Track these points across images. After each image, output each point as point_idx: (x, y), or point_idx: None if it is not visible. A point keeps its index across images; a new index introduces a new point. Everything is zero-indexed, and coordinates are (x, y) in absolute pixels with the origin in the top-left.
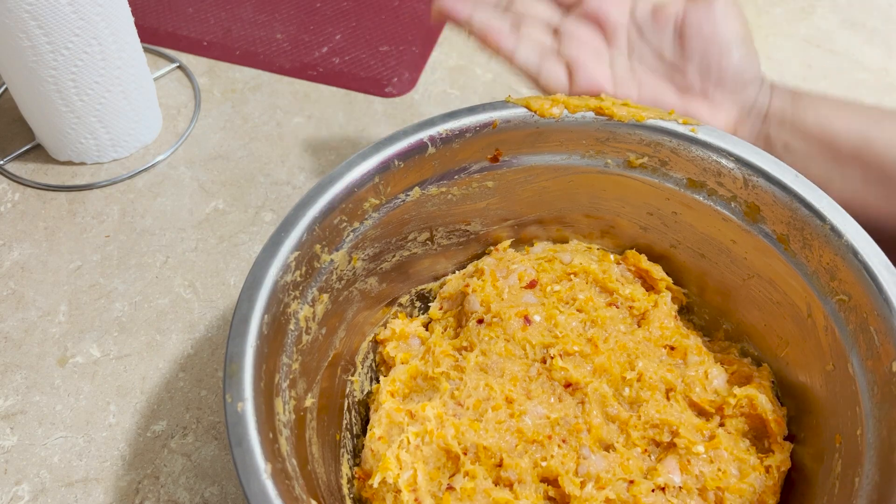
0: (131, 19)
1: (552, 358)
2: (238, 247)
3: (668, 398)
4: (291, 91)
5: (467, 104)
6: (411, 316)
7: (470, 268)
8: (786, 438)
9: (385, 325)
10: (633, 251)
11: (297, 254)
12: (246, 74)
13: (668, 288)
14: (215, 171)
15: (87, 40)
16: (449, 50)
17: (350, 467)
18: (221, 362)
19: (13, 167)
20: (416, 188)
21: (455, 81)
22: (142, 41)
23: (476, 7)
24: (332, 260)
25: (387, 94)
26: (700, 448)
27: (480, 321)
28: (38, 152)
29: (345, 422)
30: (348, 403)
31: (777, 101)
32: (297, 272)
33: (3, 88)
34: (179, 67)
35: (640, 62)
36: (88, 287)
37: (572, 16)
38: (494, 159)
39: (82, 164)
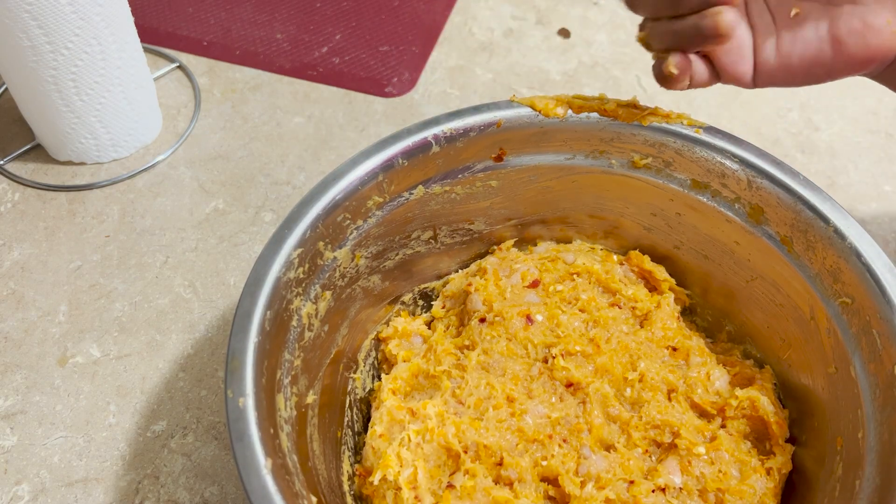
0: (131, 19)
1: (554, 357)
2: (238, 247)
3: (669, 399)
4: (291, 91)
5: (467, 104)
6: (414, 314)
7: (473, 267)
8: (787, 441)
9: (387, 323)
10: (637, 252)
11: (300, 251)
12: (246, 74)
13: (671, 289)
14: (215, 171)
15: (87, 40)
16: (449, 50)
17: (351, 464)
18: (221, 362)
19: (13, 167)
20: (420, 186)
21: (455, 81)
22: (142, 41)
23: None
24: (335, 257)
25: (387, 94)
26: (701, 449)
27: (483, 320)
28: (38, 152)
29: (346, 419)
30: (350, 401)
31: None
32: (300, 269)
33: (3, 88)
34: (179, 67)
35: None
36: (88, 287)
37: None
38: (498, 158)
39: (82, 164)
